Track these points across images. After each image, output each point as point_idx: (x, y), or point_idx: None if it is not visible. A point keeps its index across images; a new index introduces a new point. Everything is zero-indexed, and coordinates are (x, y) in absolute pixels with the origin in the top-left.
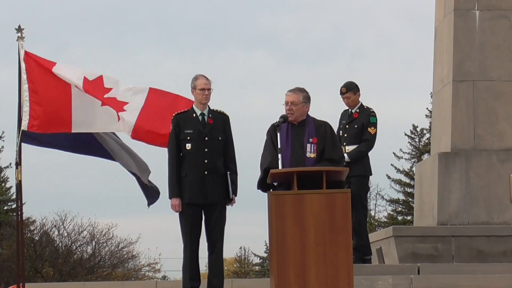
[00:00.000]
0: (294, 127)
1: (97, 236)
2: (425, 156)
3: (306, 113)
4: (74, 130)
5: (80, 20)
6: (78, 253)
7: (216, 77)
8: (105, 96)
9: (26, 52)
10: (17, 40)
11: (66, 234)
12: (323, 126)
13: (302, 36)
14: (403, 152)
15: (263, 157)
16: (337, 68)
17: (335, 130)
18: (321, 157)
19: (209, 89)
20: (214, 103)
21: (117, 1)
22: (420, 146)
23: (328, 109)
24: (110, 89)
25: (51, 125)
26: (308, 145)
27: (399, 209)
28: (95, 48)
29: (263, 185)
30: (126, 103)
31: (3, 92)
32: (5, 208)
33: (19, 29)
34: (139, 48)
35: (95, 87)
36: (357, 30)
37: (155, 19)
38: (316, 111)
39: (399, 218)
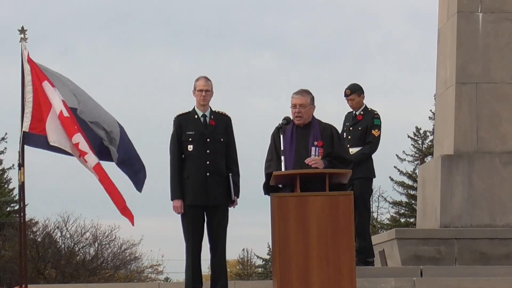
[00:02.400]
0: (298, 129)
1: (100, 237)
2: (428, 159)
3: (312, 115)
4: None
5: (85, 21)
6: (81, 254)
7: (221, 79)
8: (72, 138)
9: (29, 56)
10: (20, 41)
11: (68, 236)
12: (329, 129)
13: (307, 37)
14: (406, 154)
15: (266, 162)
16: (342, 70)
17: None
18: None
19: (207, 91)
20: (218, 104)
21: (122, 2)
22: (423, 148)
23: (332, 111)
24: (77, 131)
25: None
26: (313, 148)
27: (402, 211)
28: (100, 48)
29: (267, 188)
30: (86, 153)
31: (6, 94)
32: (8, 209)
33: (22, 30)
34: (144, 48)
35: (67, 123)
36: (361, 32)
37: (160, 19)
38: (321, 113)
39: (402, 220)
